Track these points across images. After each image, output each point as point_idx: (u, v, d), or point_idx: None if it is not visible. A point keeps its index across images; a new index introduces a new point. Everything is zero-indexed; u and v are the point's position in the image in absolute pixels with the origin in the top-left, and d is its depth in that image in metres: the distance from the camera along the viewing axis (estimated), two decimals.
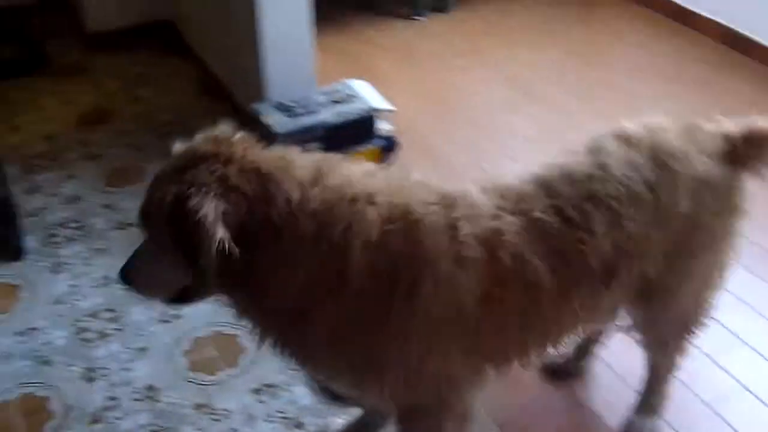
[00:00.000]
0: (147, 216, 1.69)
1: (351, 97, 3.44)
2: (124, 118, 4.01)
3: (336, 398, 2.44)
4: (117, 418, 2.50)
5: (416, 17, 4.97)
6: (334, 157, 1.81)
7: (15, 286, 3.00)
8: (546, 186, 1.88)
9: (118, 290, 2.95)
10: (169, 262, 1.67)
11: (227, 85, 3.98)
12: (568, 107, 4.07)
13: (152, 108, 4.08)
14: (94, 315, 2.88)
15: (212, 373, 2.64)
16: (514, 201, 1.83)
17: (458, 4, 5.09)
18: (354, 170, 1.78)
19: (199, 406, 2.53)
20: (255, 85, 3.52)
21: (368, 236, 1.68)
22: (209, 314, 2.83)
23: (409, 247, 1.72)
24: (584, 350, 2.64)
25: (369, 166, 1.84)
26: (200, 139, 1.71)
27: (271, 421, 2.50)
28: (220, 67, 4.12)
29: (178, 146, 1.73)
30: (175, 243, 1.62)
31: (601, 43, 4.68)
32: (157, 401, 2.55)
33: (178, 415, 2.51)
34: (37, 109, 4.11)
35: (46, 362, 2.70)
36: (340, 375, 1.92)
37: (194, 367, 2.67)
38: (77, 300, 2.95)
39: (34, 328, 2.83)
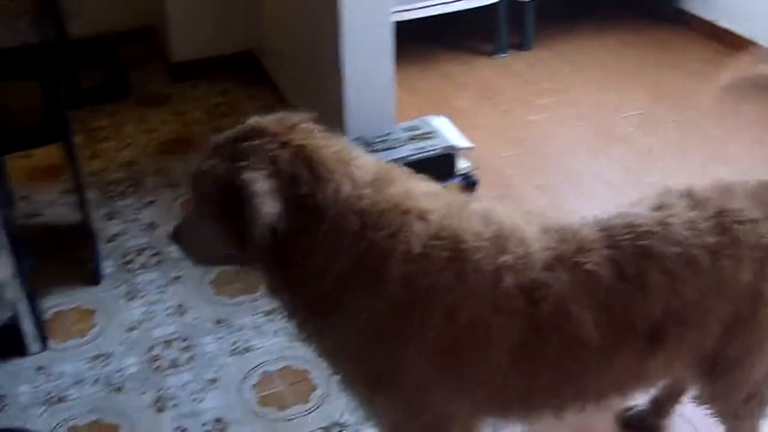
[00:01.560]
0: (197, 181, 1.71)
1: (431, 134, 3.41)
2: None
3: None
4: None
5: (497, 54, 4.93)
6: (400, 169, 1.80)
7: (91, 311, 3.02)
8: (608, 235, 1.80)
9: (191, 320, 2.96)
10: (215, 230, 1.70)
11: None
12: (652, 151, 3.97)
13: None
14: (166, 343, 2.88)
15: (282, 409, 2.61)
16: (572, 249, 1.77)
17: (540, 42, 5.04)
18: (417, 186, 1.77)
19: None
20: (335, 119, 3.51)
21: (410, 248, 1.67)
22: (280, 348, 2.82)
23: (452, 274, 1.69)
24: (663, 407, 2.53)
25: (435, 187, 1.82)
26: (268, 117, 1.73)
27: None
28: (300, 100, 4.12)
29: (253, 120, 1.75)
30: (223, 213, 1.65)
31: (689, 87, 4.55)
32: None
33: None
34: (119, 136, 4.18)
35: (118, 389, 2.70)
36: (350, 377, 1.88)
37: (263, 401, 2.64)
38: (151, 328, 2.95)
39: (107, 354, 2.84)
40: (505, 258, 1.72)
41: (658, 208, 1.88)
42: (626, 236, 1.80)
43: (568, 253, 1.76)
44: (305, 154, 1.66)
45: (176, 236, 1.87)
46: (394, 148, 3.32)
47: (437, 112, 3.74)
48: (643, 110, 4.32)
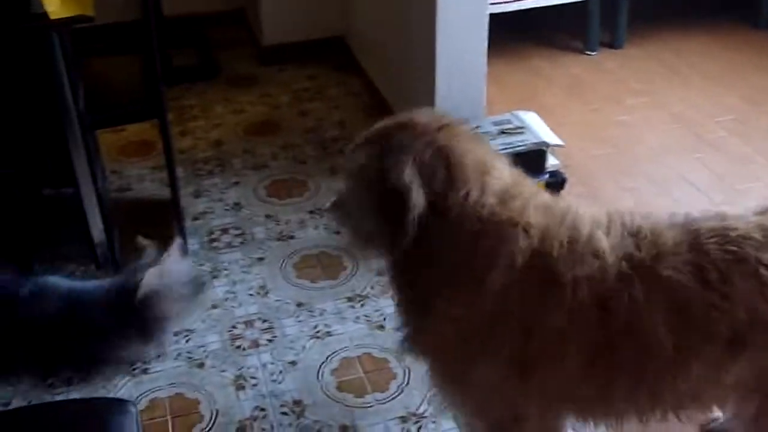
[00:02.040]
0: (353, 168, 1.83)
1: (521, 129, 3.37)
2: (290, 131, 4.07)
3: None
4: (263, 430, 2.51)
5: (588, 52, 4.86)
6: (527, 183, 1.85)
7: None
8: (693, 238, 1.78)
9: (273, 301, 2.99)
10: (367, 215, 1.79)
11: (394, 105, 3.98)
12: (743, 157, 3.87)
13: (318, 123, 4.13)
14: (248, 323, 2.91)
15: (360, 396, 2.61)
16: (650, 255, 1.76)
17: (631, 41, 4.95)
18: (534, 200, 1.80)
19: (344, 428, 2.51)
20: None
21: (513, 261, 1.73)
22: (361, 335, 2.82)
23: (539, 289, 1.75)
24: None
25: (547, 199, 1.85)
26: (423, 113, 1.83)
27: None
28: (388, 88, 4.13)
29: (425, 110, 1.85)
30: (376, 203, 1.75)
31: None
32: (303, 417, 2.54)
33: None
34: (209, 115, 4.24)
35: (200, 365, 2.74)
36: (435, 372, 1.97)
37: (342, 387, 2.65)
38: (233, 307, 2.98)
39: (190, 330, 2.88)
40: (582, 269, 1.75)
41: (761, 213, 1.85)
42: (713, 239, 1.77)
43: (646, 260, 1.76)
44: (446, 155, 1.73)
45: (335, 208, 1.95)
46: None
47: (524, 107, 3.70)
48: (737, 115, 4.21)
